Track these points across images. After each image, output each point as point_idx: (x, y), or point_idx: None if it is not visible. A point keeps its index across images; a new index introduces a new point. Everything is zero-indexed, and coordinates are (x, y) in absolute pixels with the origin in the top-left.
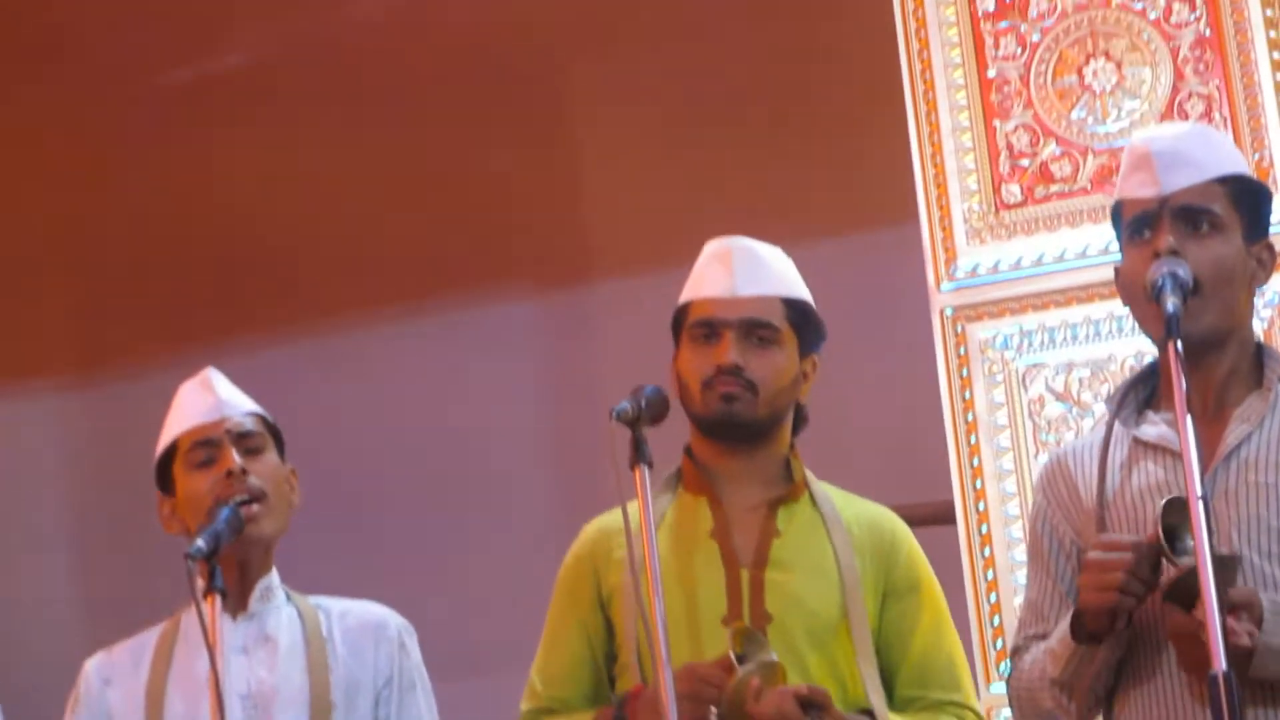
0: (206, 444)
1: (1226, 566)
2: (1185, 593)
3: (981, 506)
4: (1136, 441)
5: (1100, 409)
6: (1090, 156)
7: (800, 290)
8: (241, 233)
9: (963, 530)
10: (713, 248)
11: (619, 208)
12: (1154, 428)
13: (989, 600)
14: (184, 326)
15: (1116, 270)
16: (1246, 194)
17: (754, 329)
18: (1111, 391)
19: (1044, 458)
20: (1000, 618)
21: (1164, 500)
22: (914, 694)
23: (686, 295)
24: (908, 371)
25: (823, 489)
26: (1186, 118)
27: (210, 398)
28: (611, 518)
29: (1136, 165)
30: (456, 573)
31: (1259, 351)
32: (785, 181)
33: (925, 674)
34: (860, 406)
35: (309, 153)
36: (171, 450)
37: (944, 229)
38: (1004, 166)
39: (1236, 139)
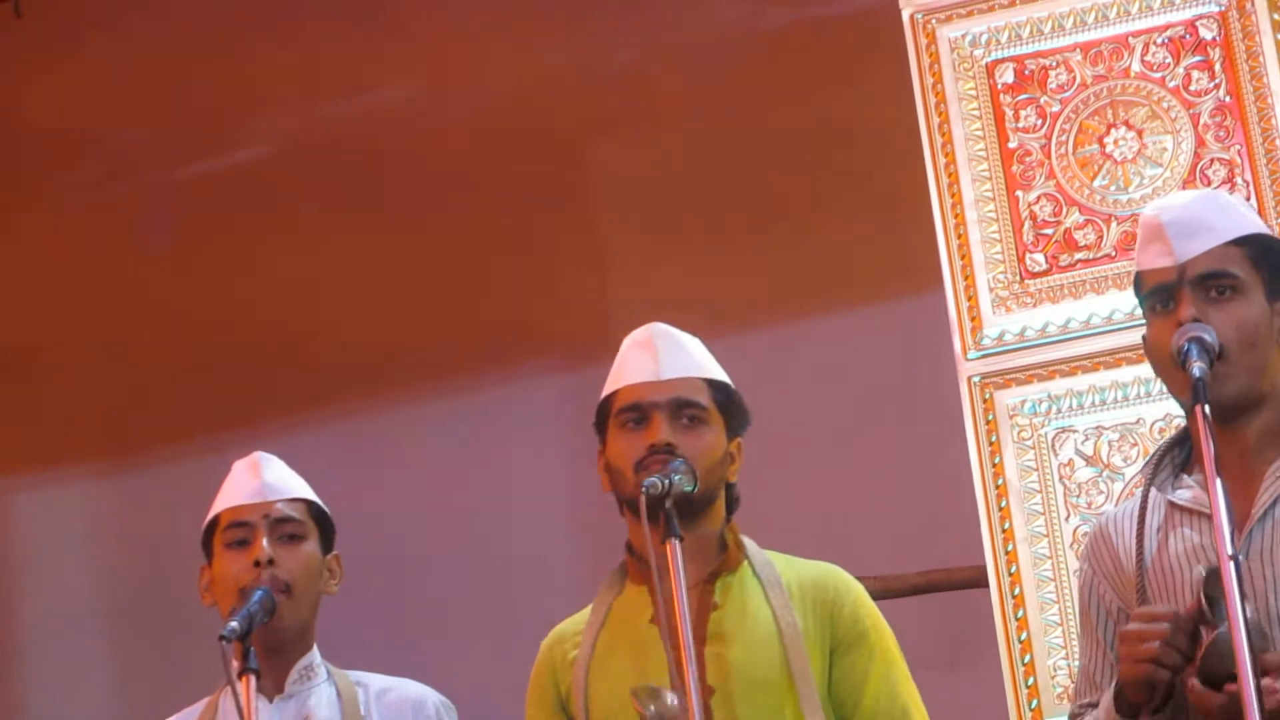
0: (242, 525)
1: (1261, 632)
2: (1217, 661)
3: (1014, 570)
4: (1172, 506)
5: (1130, 471)
6: (1114, 224)
7: (721, 374)
8: (273, 320)
9: (996, 594)
10: (634, 337)
11: (645, 285)
12: (1188, 491)
13: (1023, 662)
14: (216, 415)
15: (1144, 340)
16: (1265, 253)
17: (682, 408)
18: (1143, 455)
19: (1075, 521)
20: (1035, 679)
21: (1205, 570)
22: None
23: (610, 386)
24: (937, 439)
25: (765, 556)
26: (1209, 184)
27: (255, 481)
28: (568, 623)
29: (1151, 237)
30: (491, 651)
31: None
32: (810, 257)
33: None
34: (890, 475)
35: (336, 241)
36: (213, 524)
37: (969, 298)
38: (1028, 235)
39: (1259, 203)
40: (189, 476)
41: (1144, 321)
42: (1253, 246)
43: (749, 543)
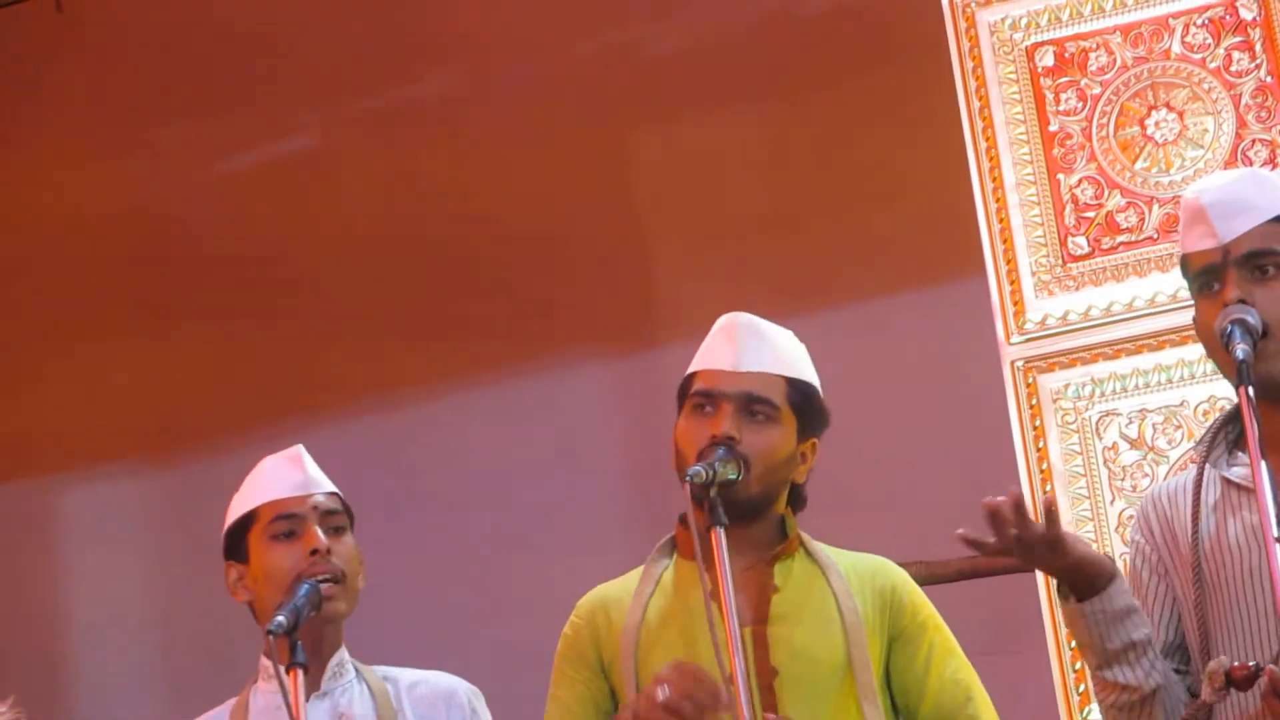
0: (290, 518)
1: None
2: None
3: None
4: (1227, 483)
5: (1175, 454)
6: (1155, 206)
7: (806, 373)
8: (311, 308)
9: (1042, 579)
10: (722, 322)
11: (688, 274)
12: (1243, 468)
13: (1070, 647)
14: (259, 403)
15: (1194, 321)
16: None
17: (752, 403)
18: (1187, 438)
19: (1120, 504)
20: (1081, 663)
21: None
22: None
23: (694, 365)
24: (981, 424)
25: (817, 545)
26: (1250, 164)
27: (299, 474)
28: (610, 588)
29: (1193, 219)
30: (536, 633)
31: None
32: (852, 241)
33: (944, 712)
34: (935, 460)
35: (381, 226)
36: (248, 520)
37: (1012, 282)
38: (1069, 219)
39: None
40: (231, 470)
41: (1187, 303)
42: None
43: (802, 533)
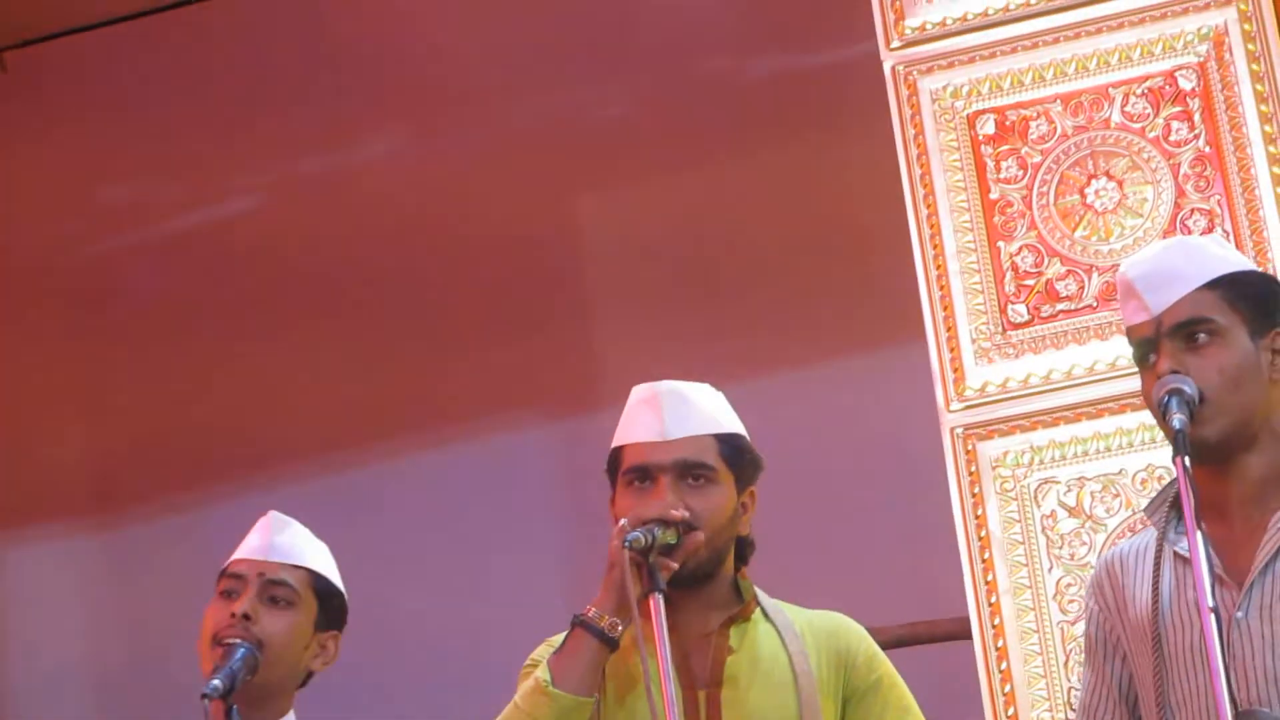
0: (235, 577)
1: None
2: None
3: (997, 621)
4: (1176, 555)
5: (1113, 523)
6: (1095, 274)
7: (732, 425)
8: (252, 366)
9: (979, 646)
10: (640, 393)
11: (631, 339)
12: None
13: (1007, 715)
14: (195, 471)
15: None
16: (1241, 291)
17: (688, 470)
18: (1125, 506)
19: (1058, 572)
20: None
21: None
22: None
23: (618, 440)
24: (920, 490)
25: (775, 604)
26: (1189, 233)
27: (262, 540)
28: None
29: (1126, 293)
30: (478, 704)
31: None
32: (794, 308)
33: None
34: (873, 526)
35: (319, 296)
36: (220, 574)
37: (951, 349)
38: (1009, 286)
39: (1240, 252)
40: (168, 535)
41: (1126, 371)
42: (1227, 287)
43: (760, 591)
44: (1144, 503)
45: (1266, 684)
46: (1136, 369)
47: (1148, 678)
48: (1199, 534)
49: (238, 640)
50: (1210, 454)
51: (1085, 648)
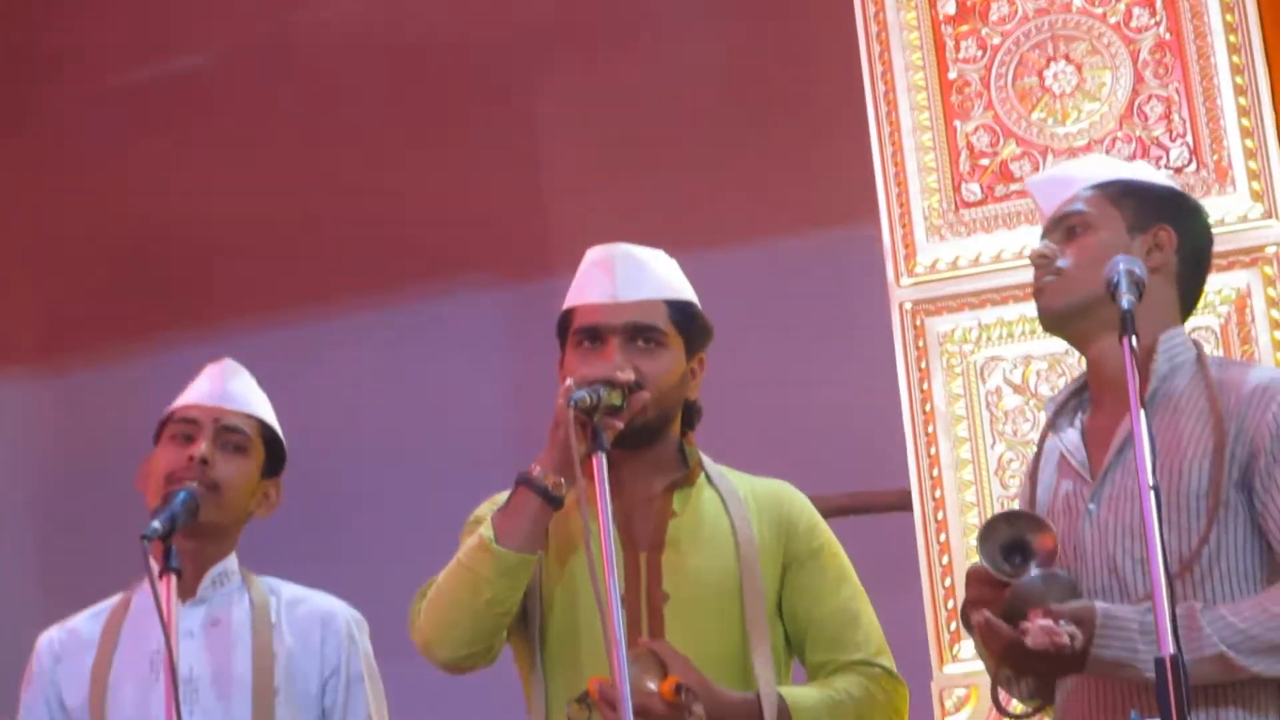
0: (190, 423)
1: (1056, 583)
2: (1011, 608)
3: (938, 494)
4: (1059, 452)
5: None
6: (1050, 156)
7: (684, 291)
8: (204, 226)
9: (919, 517)
10: (594, 255)
11: (580, 204)
12: (1071, 432)
13: (944, 585)
14: (147, 319)
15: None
16: (1126, 189)
17: (638, 333)
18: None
19: (1000, 448)
20: (954, 602)
21: (983, 528)
22: (824, 658)
23: (570, 301)
24: (868, 364)
25: (719, 470)
26: (1146, 120)
27: (215, 386)
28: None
29: (1033, 205)
30: (418, 560)
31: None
32: (747, 180)
33: (832, 637)
34: (821, 398)
35: (270, 146)
36: (167, 418)
37: (904, 225)
38: (964, 165)
39: (1195, 141)
40: (118, 382)
41: None
42: (1110, 188)
43: (705, 457)
44: None
45: (1109, 574)
46: None
47: None
48: (1142, 415)
49: (185, 483)
50: (1058, 326)
51: None
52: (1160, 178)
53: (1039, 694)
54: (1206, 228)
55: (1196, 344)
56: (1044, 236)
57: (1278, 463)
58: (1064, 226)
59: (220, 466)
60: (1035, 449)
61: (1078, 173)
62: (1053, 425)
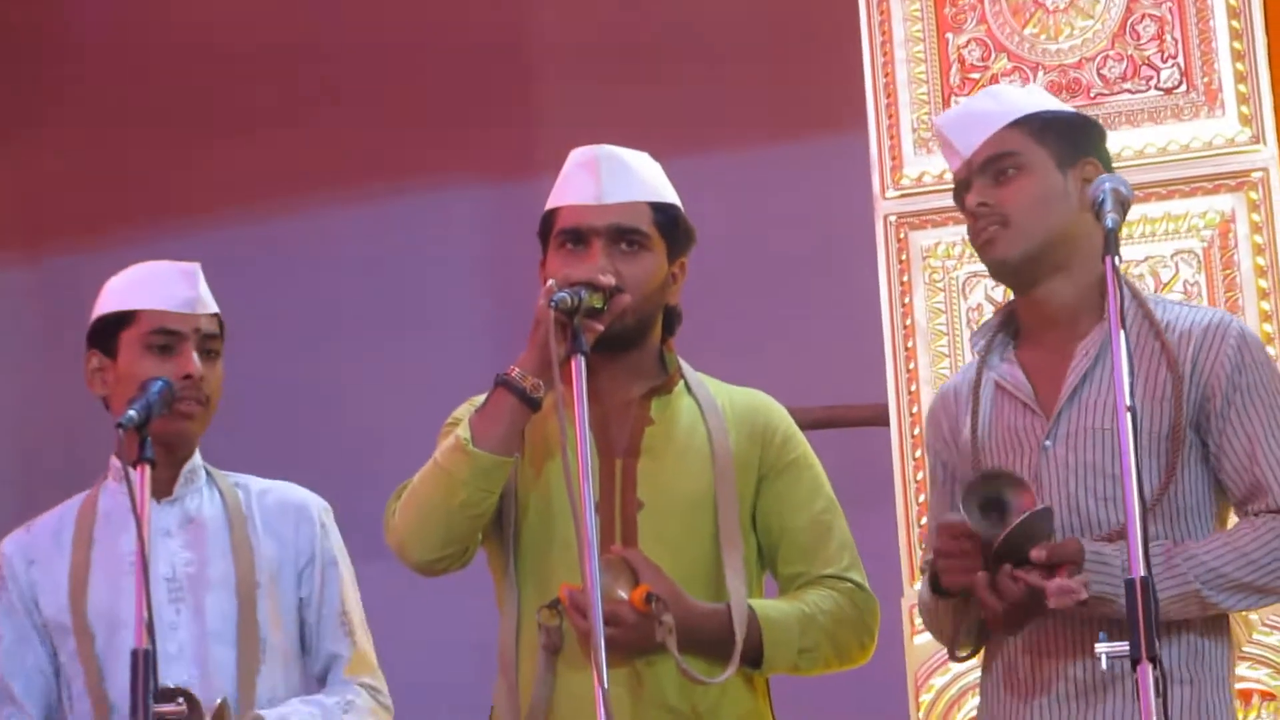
0: (171, 333)
1: (1042, 519)
2: (1011, 553)
3: (915, 410)
4: (997, 385)
5: None
6: (1041, 72)
7: (668, 194)
8: (185, 113)
9: (895, 433)
10: (578, 156)
11: (568, 106)
12: (1009, 366)
13: (917, 501)
14: (131, 202)
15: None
16: (1047, 123)
17: (622, 235)
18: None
19: None
20: (926, 519)
21: (964, 487)
22: (795, 571)
23: (553, 201)
24: (850, 277)
25: (698, 378)
26: (1139, 39)
27: (189, 291)
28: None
29: (943, 145)
30: (394, 461)
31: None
32: (736, 88)
33: (804, 550)
34: (802, 309)
35: (258, 25)
36: (124, 318)
37: (892, 137)
38: (955, 78)
39: (1186, 62)
40: (100, 270)
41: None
42: (1032, 123)
43: (685, 365)
44: None
45: (1070, 512)
46: None
47: None
48: (1122, 344)
49: (185, 401)
50: (1011, 275)
51: (930, 481)
52: (1065, 106)
53: (978, 640)
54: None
55: (1130, 283)
56: (969, 178)
57: (1231, 404)
58: (994, 169)
59: (208, 379)
60: (971, 380)
61: (991, 107)
62: (985, 358)
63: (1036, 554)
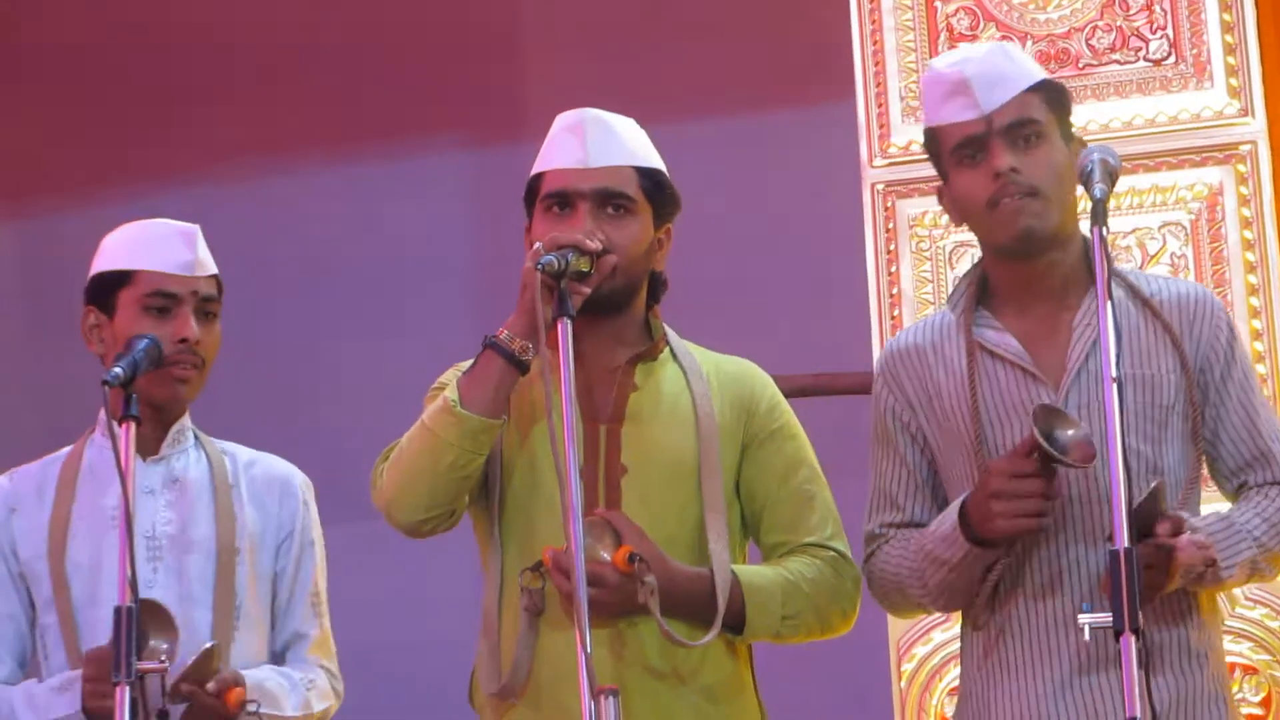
0: (169, 296)
1: (1159, 493)
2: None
3: None
4: (981, 348)
5: None
6: (1030, 42)
7: (654, 159)
8: (174, 67)
9: None
10: (564, 119)
11: (556, 71)
12: (997, 334)
13: None
14: (113, 161)
15: (942, 194)
16: (1057, 95)
17: (608, 199)
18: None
19: None
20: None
21: (1035, 409)
22: (778, 539)
23: (539, 166)
24: (836, 245)
25: (684, 345)
26: (1128, 9)
27: (188, 253)
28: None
29: (953, 91)
30: (377, 423)
31: (1088, 252)
32: (724, 53)
33: (787, 518)
34: (788, 277)
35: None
36: (123, 277)
37: (880, 105)
38: (943, 46)
39: (1175, 34)
40: (83, 229)
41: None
42: (1047, 91)
43: (670, 331)
44: None
45: (1088, 480)
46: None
47: (960, 473)
48: (1107, 309)
49: (182, 365)
50: (1031, 245)
51: (876, 433)
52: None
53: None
54: None
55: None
56: (987, 137)
57: (1229, 375)
58: (1018, 134)
59: (205, 342)
60: (960, 345)
61: (1008, 68)
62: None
63: (1163, 528)
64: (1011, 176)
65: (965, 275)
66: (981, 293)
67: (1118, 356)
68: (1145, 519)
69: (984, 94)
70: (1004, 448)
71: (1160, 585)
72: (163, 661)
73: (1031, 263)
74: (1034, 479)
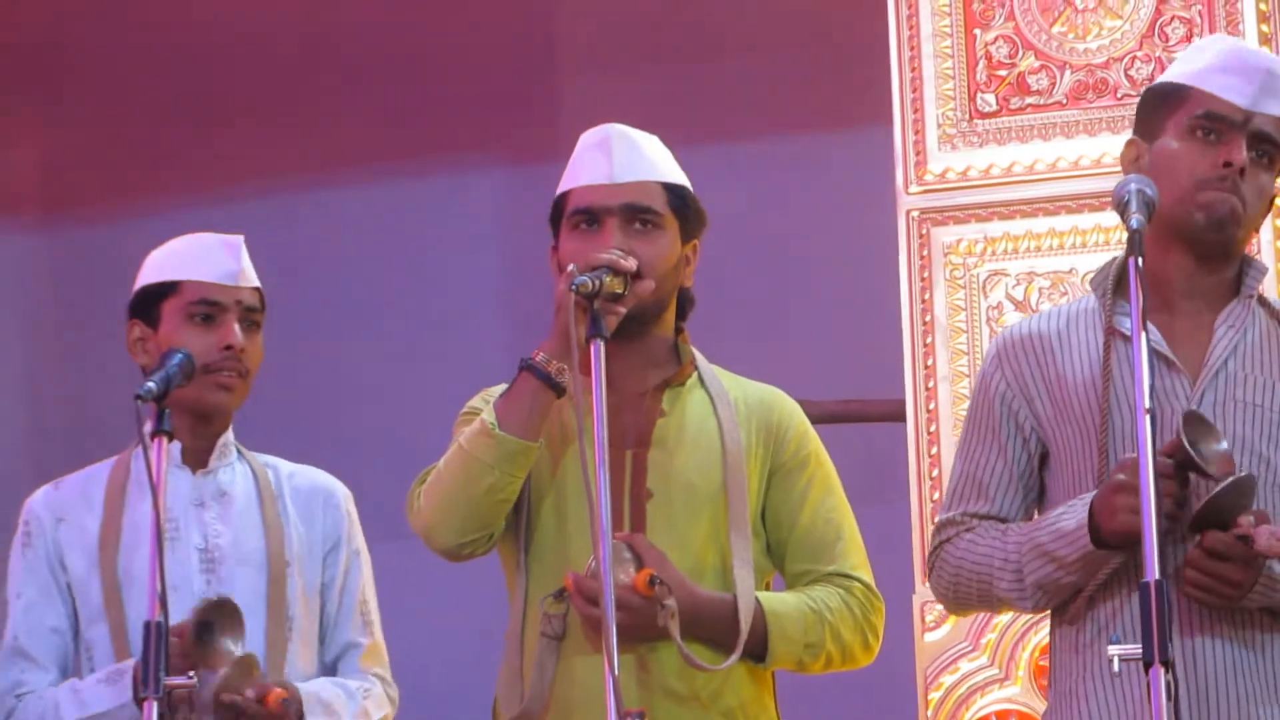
0: (213, 304)
1: (1245, 486)
2: (1215, 517)
3: (932, 406)
4: (1119, 334)
5: None
6: (1068, 72)
7: (679, 175)
8: (213, 83)
9: (911, 429)
10: (589, 137)
11: (596, 95)
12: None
13: (931, 499)
14: (150, 179)
15: (1160, 154)
16: None
17: (636, 214)
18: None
19: None
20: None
21: (1184, 413)
22: (803, 568)
23: (565, 184)
24: (870, 271)
25: (713, 370)
26: (1167, 40)
27: (232, 263)
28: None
29: (1237, 69)
30: (408, 444)
31: (1244, 269)
32: (761, 77)
33: (812, 548)
34: (820, 302)
35: (284, 5)
36: (168, 289)
37: (916, 132)
38: (981, 75)
39: None
40: (116, 239)
41: (1089, 171)
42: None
43: (699, 356)
44: None
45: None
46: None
47: (1077, 464)
48: (1144, 344)
49: (223, 373)
50: (1226, 241)
51: (977, 418)
52: None
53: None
54: None
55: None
56: (1242, 131)
57: None
58: (1260, 147)
59: (249, 351)
60: (1098, 328)
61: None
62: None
63: (1245, 519)
64: (1235, 176)
65: (1105, 265)
66: (1118, 285)
67: (1150, 388)
68: (1228, 512)
69: (1263, 95)
70: (1130, 437)
71: (1238, 580)
72: (191, 678)
73: (1205, 260)
74: (1168, 480)
